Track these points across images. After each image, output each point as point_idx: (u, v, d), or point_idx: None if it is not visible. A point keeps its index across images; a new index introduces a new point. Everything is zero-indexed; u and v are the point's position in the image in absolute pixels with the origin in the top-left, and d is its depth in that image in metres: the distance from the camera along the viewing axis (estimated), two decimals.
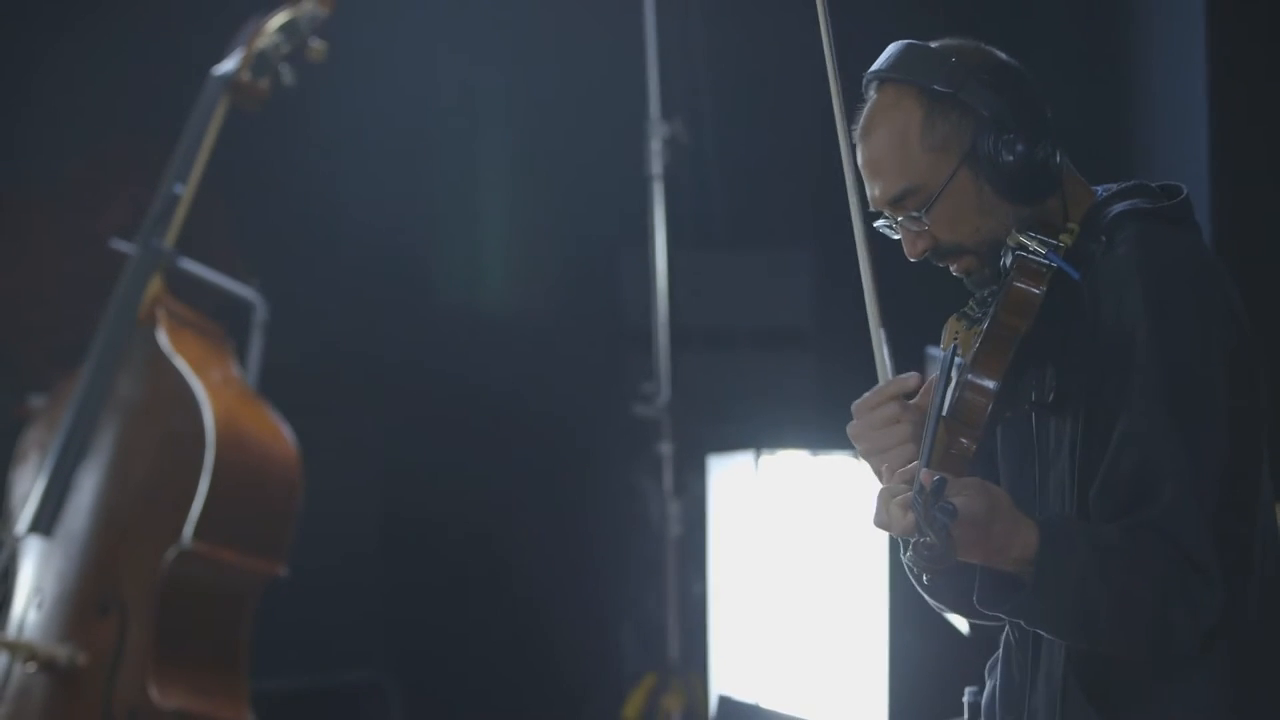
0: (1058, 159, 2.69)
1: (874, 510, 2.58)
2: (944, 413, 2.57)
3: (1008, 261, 2.65)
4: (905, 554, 2.48)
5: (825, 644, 4.76)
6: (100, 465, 4.79)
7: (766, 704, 4.64)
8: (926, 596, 2.76)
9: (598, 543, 6.44)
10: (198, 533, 4.63)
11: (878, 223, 2.76)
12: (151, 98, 5.58)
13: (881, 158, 2.72)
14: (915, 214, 2.70)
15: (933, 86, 2.68)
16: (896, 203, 2.72)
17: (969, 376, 2.59)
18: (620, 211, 6.22)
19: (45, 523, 4.78)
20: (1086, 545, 2.52)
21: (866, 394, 2.72)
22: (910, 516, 2.43)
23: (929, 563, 2.43)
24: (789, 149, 6.07)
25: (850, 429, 2.74)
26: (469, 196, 6.42)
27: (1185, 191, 2.73)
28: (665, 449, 5.86)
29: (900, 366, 2.77)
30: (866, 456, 2.73)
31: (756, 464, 5.06)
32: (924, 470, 2.44)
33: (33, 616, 4.76)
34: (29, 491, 4.82)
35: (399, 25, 6.01)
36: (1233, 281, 2.71)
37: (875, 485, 2.68)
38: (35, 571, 4.80)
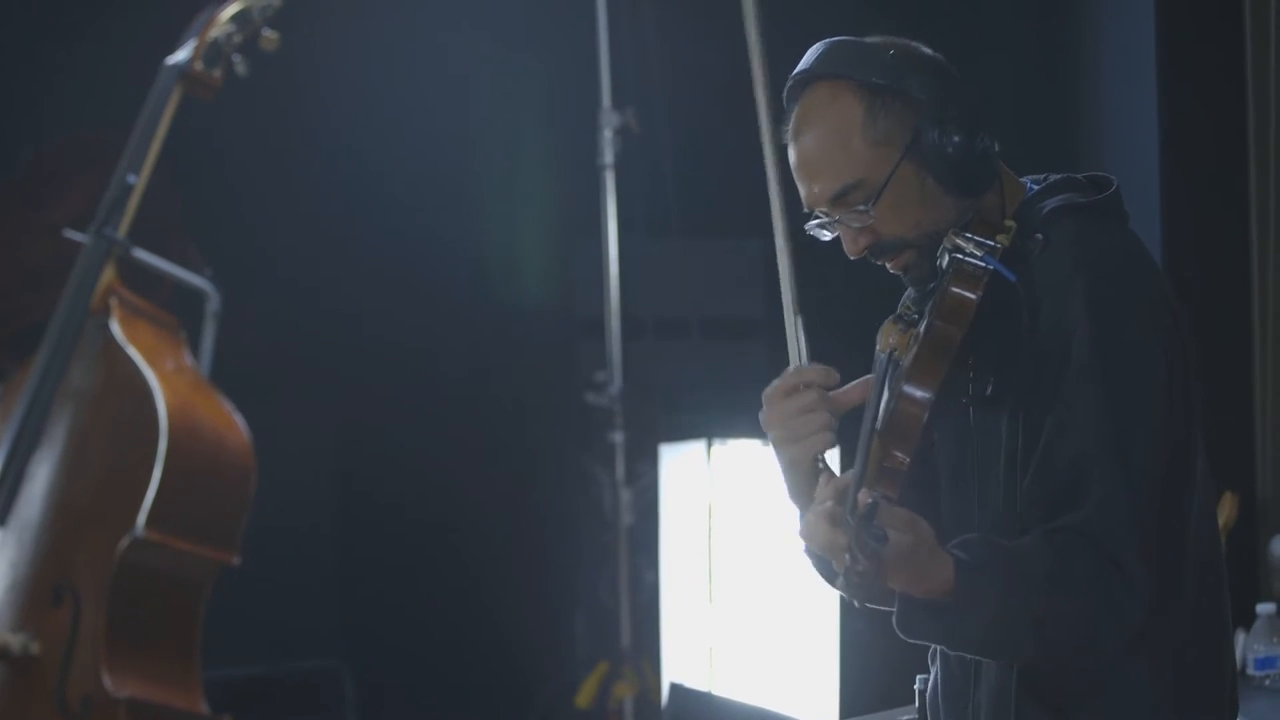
0: (995, 149, 2.66)
1: (798, 522, 2.55)
2: (878, 426, 2.49)
3: (944, 264, 2.61)
4: (836, 581, 2.41)
5: (777, 632, 4.80)
6: (54, 454, 4.79)
7: (718, 692, 4.67)
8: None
9: (550, 531, 6.44)
10: (150, 521, 4.63)
11: (809, 224, 2.72)
12: (106, 88, 5.57)
13: (820, 156, 2.69)
14: (861, 208, 2.66)
15: (872, 80, 2.66)
16: (838, 199, 2.68)
17: (904, 388, 2.52)
18: (572, 201, 6.22)
19: None
20: (1004, 573, 2.50)
21: (778, 379, 2.68)
22: (835, 533, 2.40)
23: (858, 590, 2.36)
24: (741, 138, 6.06)
25: (762, 417, 2.68)
26: (421, 185, 6.41)
27: (1115, 183, 2.72)
28: (617, 438, 5.88)
29: (821, 353, 2.71)
30: (778, 446, 2.66)
31: (708, 453, 5.09)
32: (862, 490, 2.38)
33: None
34: None
35: (348, 14, 6.00)
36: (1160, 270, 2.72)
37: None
38: None
